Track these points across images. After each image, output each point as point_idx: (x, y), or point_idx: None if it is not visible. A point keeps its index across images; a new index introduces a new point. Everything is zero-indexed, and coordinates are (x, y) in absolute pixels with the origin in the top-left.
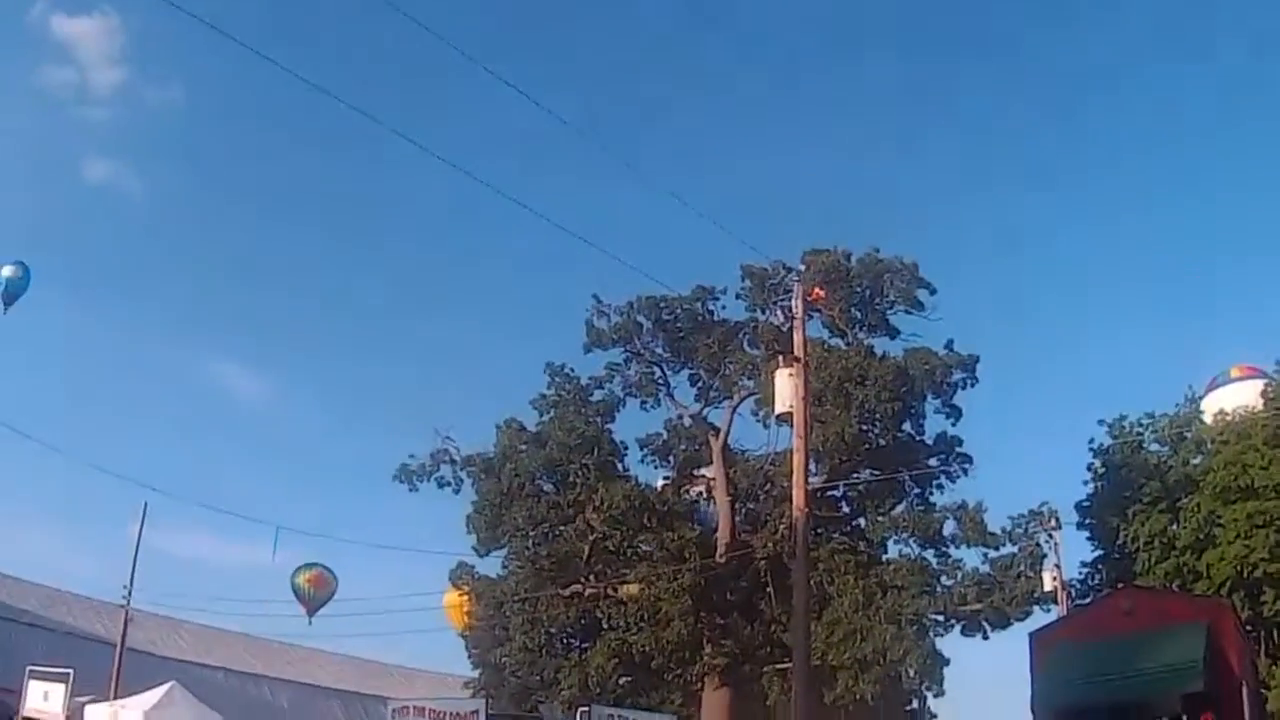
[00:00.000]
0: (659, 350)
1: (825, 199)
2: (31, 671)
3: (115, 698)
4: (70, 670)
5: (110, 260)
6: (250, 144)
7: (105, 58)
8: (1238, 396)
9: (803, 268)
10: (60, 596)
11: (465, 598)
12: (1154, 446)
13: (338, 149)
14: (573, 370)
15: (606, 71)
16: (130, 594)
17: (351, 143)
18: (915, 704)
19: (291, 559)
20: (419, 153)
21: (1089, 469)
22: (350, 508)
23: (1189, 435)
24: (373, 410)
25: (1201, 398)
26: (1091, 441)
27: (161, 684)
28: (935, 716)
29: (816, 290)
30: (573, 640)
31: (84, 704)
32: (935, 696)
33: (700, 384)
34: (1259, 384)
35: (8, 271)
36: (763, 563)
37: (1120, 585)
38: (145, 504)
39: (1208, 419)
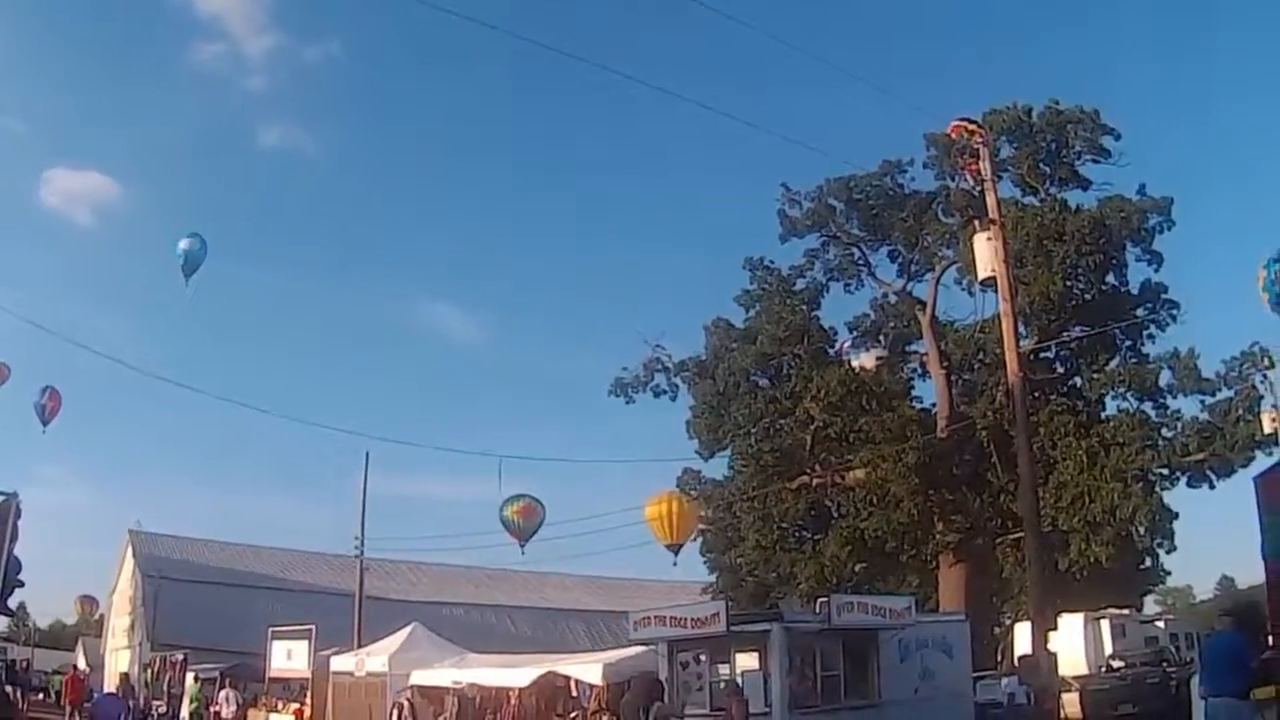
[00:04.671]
0: (855, 230)
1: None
2: (274, 632)
3: (359, 647)
4: (312, 626)
5: (301, 220)
6: (418, 86)
7: (253, 26)
8: None
9: (986, 129)
10: (296, 556)
11: (668, 508)
12: None
13: (507, 82)
14: (772, 262)
15: None
16: (363, 544)
17: (522, 72)
18: (1148, 563)
19: (518, 487)
20: (581, 76)
21: None
22: (571, 430)
23: None
24: (580, 333)
25: None
26: None
27: (403, 627)
28: (1169, 574)
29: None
30: (805, 533)
31: (328, 656)
32: (1167, 553)
33: (900, 259)
34: None
35: (185, 244)
36: (984, 433)
37: None
38: (367, 454)
39: None
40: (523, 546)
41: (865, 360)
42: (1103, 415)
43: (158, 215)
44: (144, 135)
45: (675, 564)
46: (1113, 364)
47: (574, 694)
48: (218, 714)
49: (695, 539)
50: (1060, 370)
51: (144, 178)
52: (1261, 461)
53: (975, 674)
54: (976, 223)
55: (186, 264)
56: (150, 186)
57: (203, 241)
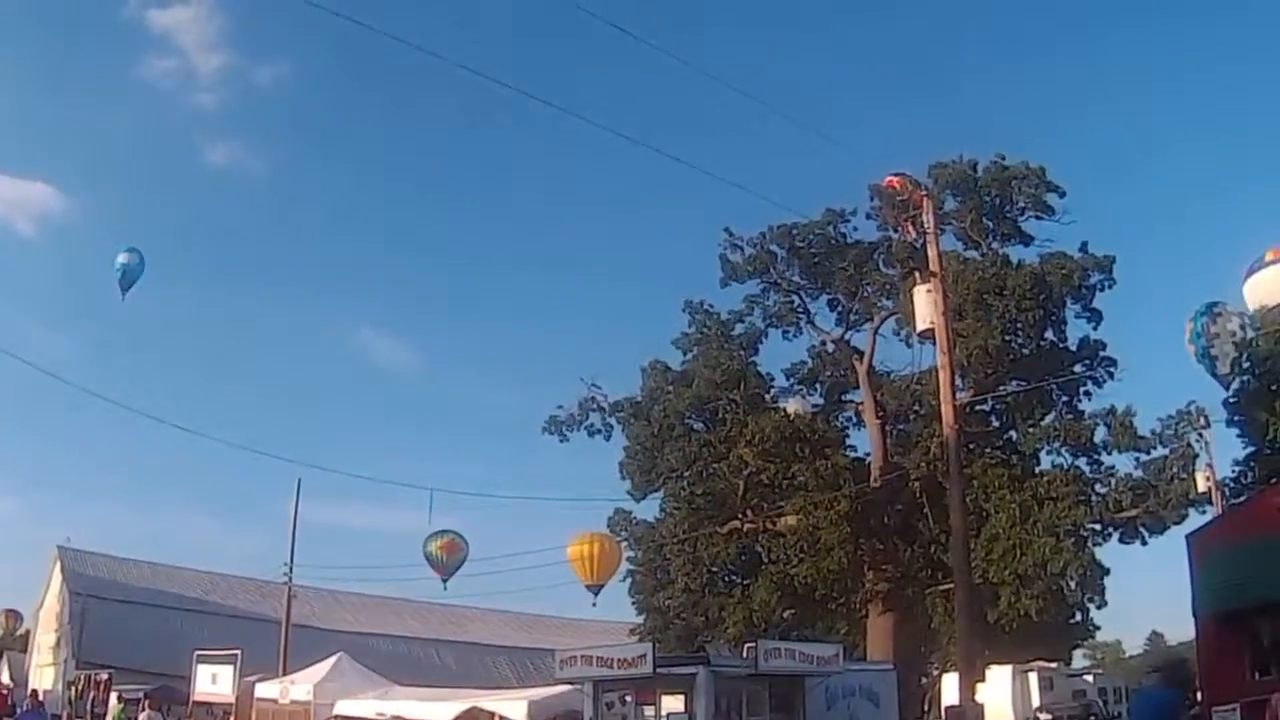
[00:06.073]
0: (795, 278)
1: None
2: (199, 656)
3: (284, 674)
4: (237, 651)
5: (240, 240)
6: (364, 113)
7: (205, 43)
8: (1276, 280)
9: (930, 181)
10: (223, 580)
11: (590, 548)
12: None
13: (455, 112)
14: (712, 306)
15: (720, 13)
16: (291, 571)
17: (469, 104)
18: (1078, 617)
19: (447, 522)
20: (530, 107)
21: (1233, 363)
22: (505, 465)
23: None
24: (518, 367)
25: (1243, 283)
26: (1234, 336)
27: (329, 656)
28: (1099, 628)
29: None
30: (734, 577)
31: (253, 682)
32: (1098, 608)
33: (840, 308)
34: None
35: (123, 258)
36: (917, 484)
37: (1274, 481)
38: (299, 480)
39: (1250, 307)
40: (445, 582)
41: (793, 406)
42: (1036, 470)
43: (101, 229)
44: (91, 147)
45: (595, 604)
46: (1048, 419)
47: None
48: None
49: (624, 580)
50: (995, 424)
51: (89, 190)
52: (1194, 520)
53: None
54: (917, 275)
55: (124, 278)
56: (95, 199)
57: (141, 257)
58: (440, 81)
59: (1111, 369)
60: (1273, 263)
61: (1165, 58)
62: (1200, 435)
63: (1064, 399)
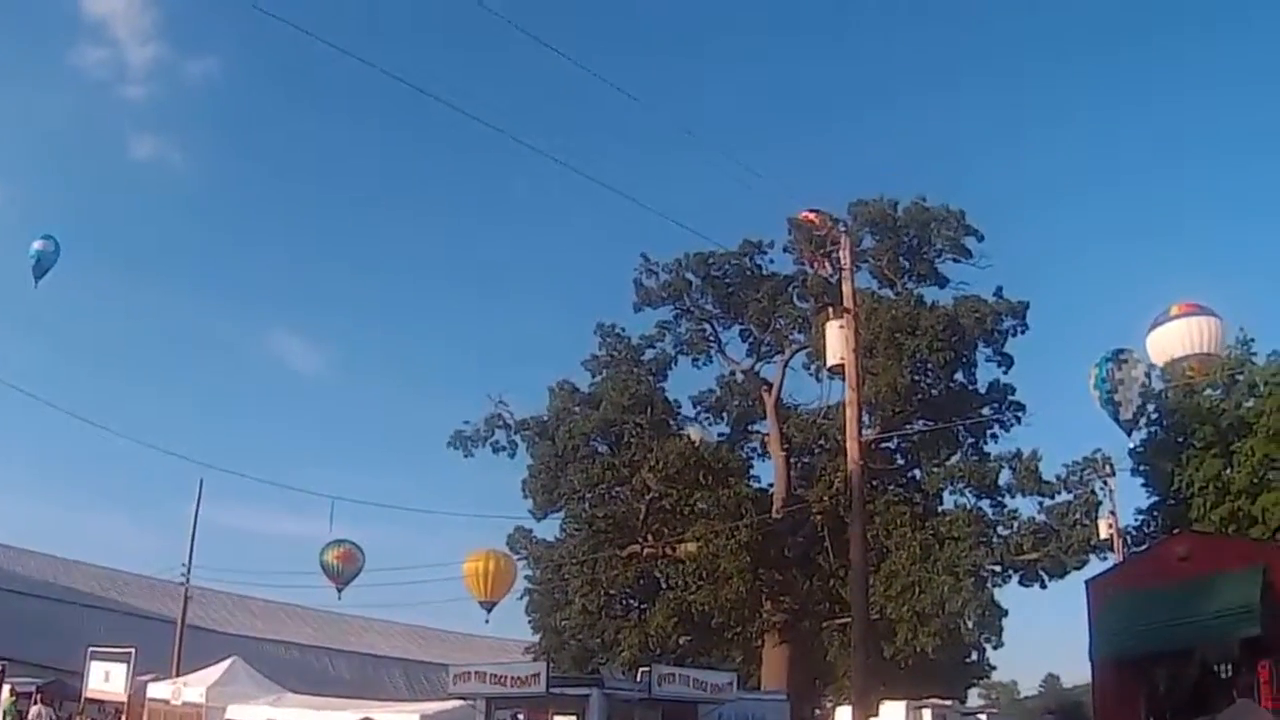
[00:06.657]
0: (709, 307)
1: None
2: (93, 652)
3: (177, 675)
4: (131, 649)
5: (160, 236)
6: (292, 116)
7: (139, 34)
8: (1179, 334)
9: (850, 219)
10: (120, 577)
11: (485, 565)
12: (1206, 390)
13: (381, 118)
14: (623, 330)
15: (651, 39)
16: (189, 572)
17: (395, 111)
18: (974, 656)
19: (348, 530)
20: (458, 121)
21: (1137, 411)
22: (408, 476)
23: (1240, 378)
24: (428, 380)
25: (1146, 336)
26: (1140, 384)
27: (223, 659)
28: (994, 668)
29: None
30: (632, 601)
31: (146, 682)
32: (994, 648)
33: (751, 339)
34: (1201, 320)
35: (38, 245)
36: (819, 517)
37: (1176, 531)
38: (200, 481)
39: (1154, 360)
40: (340, 591)
41: (695, 433)
42: (939, 509)
43: (20, 215)
44: (16, 134)
45: (487, 621)
46: (953, 460)
47: None
48: None
49: (521, 598)
50: (900, 461)
51: (9, 177)
52: (1095, 566)
53: None
54: (830, 310)
55: (38, 265)
56: (17, 186)
57: (56, 244)
58: (369, 91)
59: (1019, 413)
60: (1177, 317)
61: (1082, 98)
62: (1105, 483)
63: (970, 440)
